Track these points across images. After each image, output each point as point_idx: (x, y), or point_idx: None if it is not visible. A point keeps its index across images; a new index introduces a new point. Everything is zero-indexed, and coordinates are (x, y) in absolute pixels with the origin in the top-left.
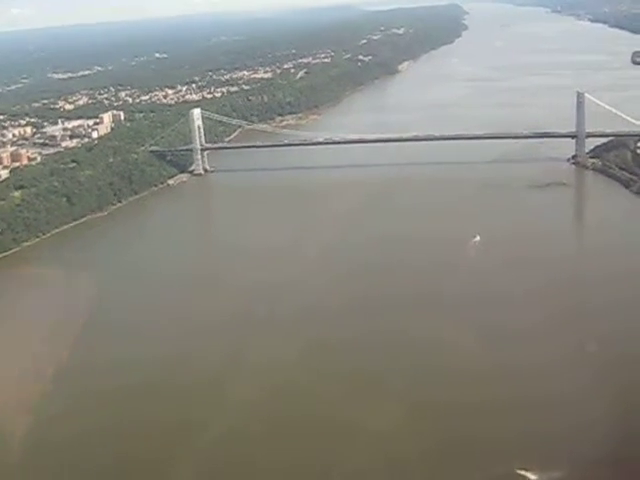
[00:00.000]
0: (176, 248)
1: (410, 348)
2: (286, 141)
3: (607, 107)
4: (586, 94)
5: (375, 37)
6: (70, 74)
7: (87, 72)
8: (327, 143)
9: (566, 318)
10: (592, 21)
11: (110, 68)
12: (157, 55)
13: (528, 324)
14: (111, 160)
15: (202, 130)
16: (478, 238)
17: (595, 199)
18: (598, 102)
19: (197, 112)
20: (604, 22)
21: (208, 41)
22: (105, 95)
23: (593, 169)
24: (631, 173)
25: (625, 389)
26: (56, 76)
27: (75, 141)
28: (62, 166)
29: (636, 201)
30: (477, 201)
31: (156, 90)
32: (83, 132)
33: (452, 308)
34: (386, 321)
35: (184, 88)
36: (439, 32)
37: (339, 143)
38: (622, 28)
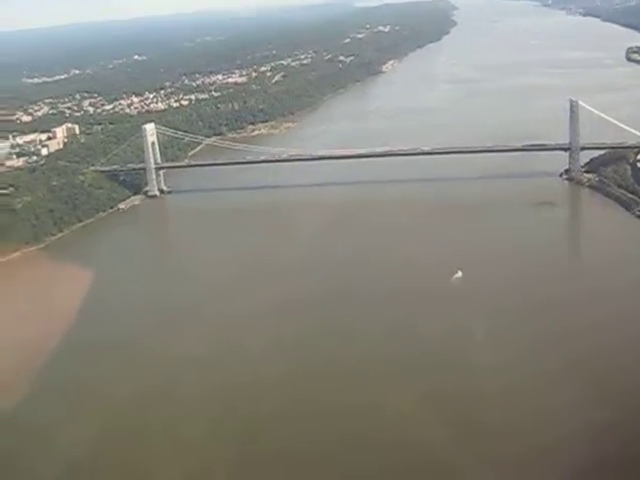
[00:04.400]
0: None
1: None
2: (250, 158)
3: (603, 116)
4: (580, 102)
5: (359, 35)
6: (46, 78)
7: (64, 76)
8: (295, 160)
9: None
10: (584, 15)
11: (88, 71)
12: (136, 57)
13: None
14: (54, 183)
15: (157, 147)
16: (460, 274)
17: (593, 225)
18: (592, 110)
19: (151, 127)
20: (596, 16)
21: (191, 42)
22: (68, 104)
23: (589, 186)
24: (632, 192)
25: None
26: (29, 81)
27: (23, 160)
28: None
29: None
30: (459, 227)
31: (123, 98)
32: (32, 149)
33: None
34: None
35: (151, 96)
36: (426, 29)
37: (309, 160)
38: (615, 22)
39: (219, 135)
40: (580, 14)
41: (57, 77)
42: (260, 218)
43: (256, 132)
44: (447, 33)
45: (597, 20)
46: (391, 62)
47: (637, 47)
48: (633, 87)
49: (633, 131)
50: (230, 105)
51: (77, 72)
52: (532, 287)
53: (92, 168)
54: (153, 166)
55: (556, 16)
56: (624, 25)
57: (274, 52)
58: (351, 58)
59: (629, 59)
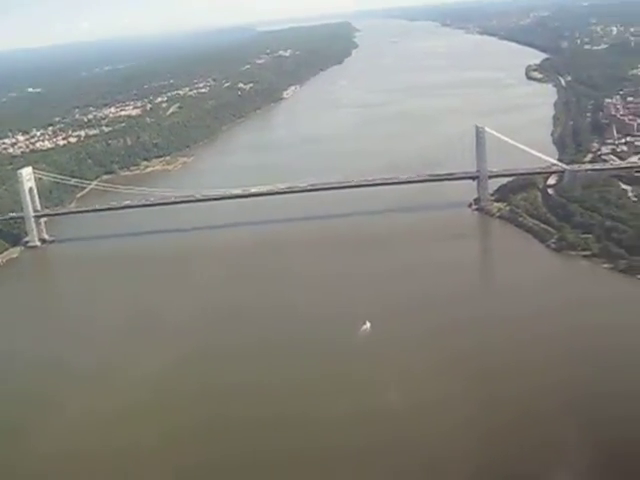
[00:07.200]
0: None
1: None
2: (142, 201)
3: (510, 141)
4: (486, 128)
5: (259, 61)
6: None
7: None
8: (187, 201)
9: None
10: (481, 34)
11: None
12: (30, 90)
13: None
14: None
15: (35, 192)
16: (368, 325)
17: (506, 262)
18: (499, 135)
19: (27, 171)
20: (493, 35)
21: (90, 71)
22: None
23: (499, 217)
24: (545, 222)
25: None
26: None
27: None
28: None
29: (556, 262)
30: (364, 269)
31: (7, 136)
32: None
33: None
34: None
35: (39, 133)
36: (328, 52)
37: (202, 201)
38: (512, 40)
39: (110, 174)
40: (478, 33)
41: None
42: (150, 267)
43: (150, 169)
44: (349, 55)
45: (494, 39)
46: (292, 88)
47: (536, 65)
48: (535, 106)
49: (541, 155)
50: (122, 141)
51: None
52: (439, 338)
53: None
54: (32, 214)
55: (455, 35)
56: (520, 43)
57: (172, 81)
58: (251, 85)
59: (529, 77)
